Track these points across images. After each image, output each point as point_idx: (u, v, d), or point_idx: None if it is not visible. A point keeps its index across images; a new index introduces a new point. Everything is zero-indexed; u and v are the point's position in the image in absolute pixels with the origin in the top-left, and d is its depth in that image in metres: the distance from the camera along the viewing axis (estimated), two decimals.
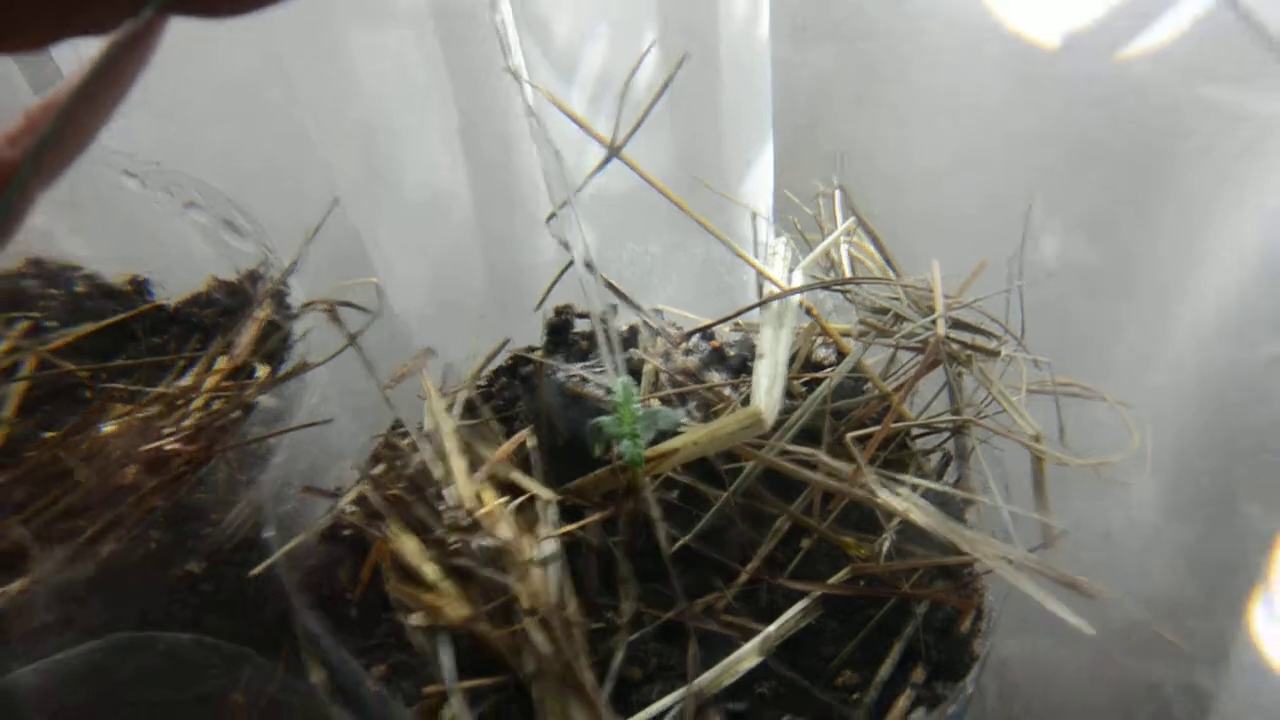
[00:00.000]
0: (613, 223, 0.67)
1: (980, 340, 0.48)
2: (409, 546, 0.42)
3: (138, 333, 0.56)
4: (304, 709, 0.39)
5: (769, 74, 0.69)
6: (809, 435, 0.49)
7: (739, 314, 0.52)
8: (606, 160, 0.49)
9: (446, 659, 0.39)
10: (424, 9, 0.60)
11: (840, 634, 0.46)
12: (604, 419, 0.41)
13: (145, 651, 0.41)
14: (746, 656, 0.43)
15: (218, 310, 0.56)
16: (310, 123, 0.61)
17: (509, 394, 0.53)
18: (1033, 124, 0.62)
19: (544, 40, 0.66)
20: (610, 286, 0.52)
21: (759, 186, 0.72)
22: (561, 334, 0.56)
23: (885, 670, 0.43)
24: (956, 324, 0.49)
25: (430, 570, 0.42)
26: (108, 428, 0.44)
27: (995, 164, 0.65)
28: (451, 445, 0.45)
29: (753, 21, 0.67)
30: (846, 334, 0.51)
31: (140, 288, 0.61)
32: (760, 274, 0.50)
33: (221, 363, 0.50)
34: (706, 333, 0.56)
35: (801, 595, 0.45)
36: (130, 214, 0.59)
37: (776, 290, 0.50)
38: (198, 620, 0.46)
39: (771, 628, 0.43)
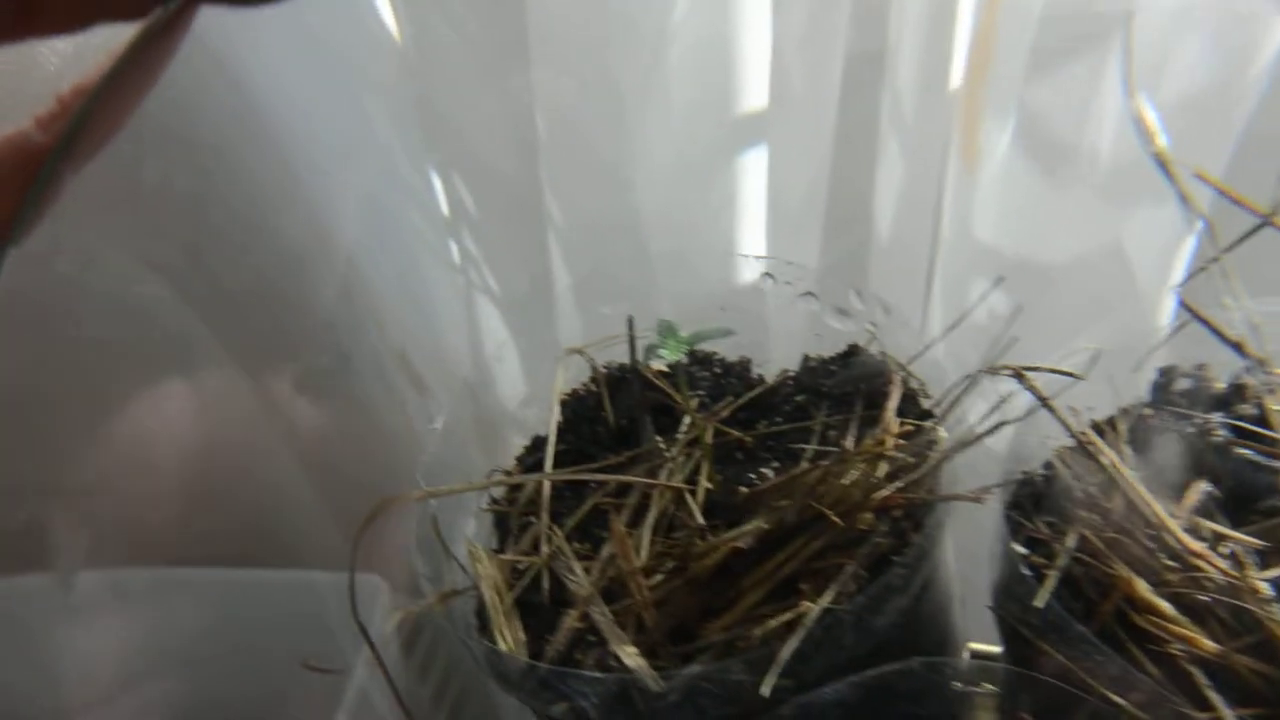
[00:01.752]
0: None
1: None
2: (1139, 583, 0.47)
3: (771, 403, 0.67)
4: None
5: None
6: None
7: None
8: (1258, 228, 0.54)
9: (1212, 686, 0.44)
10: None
11: None
12: None
13: (926, 674, 0.48)
14: None
15: (832, 380, 0.66)
16: None
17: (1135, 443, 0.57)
18: None
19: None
20: (1230, 343, 0.56)
21: None
22: (1165, 391, 0.61)
23: None
24: None
25: (1163, 605, 0.47)
26: (846, 479, 0.53)
27: None
28: (1142, 491, 0.50)
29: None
30: None
31: (745, 366, 0.72)
32: None
33: (889, 424, 0.58)
34: None
35: None
36: (752, 306, 0.71)
37: None
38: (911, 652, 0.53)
39: None
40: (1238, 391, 0.59)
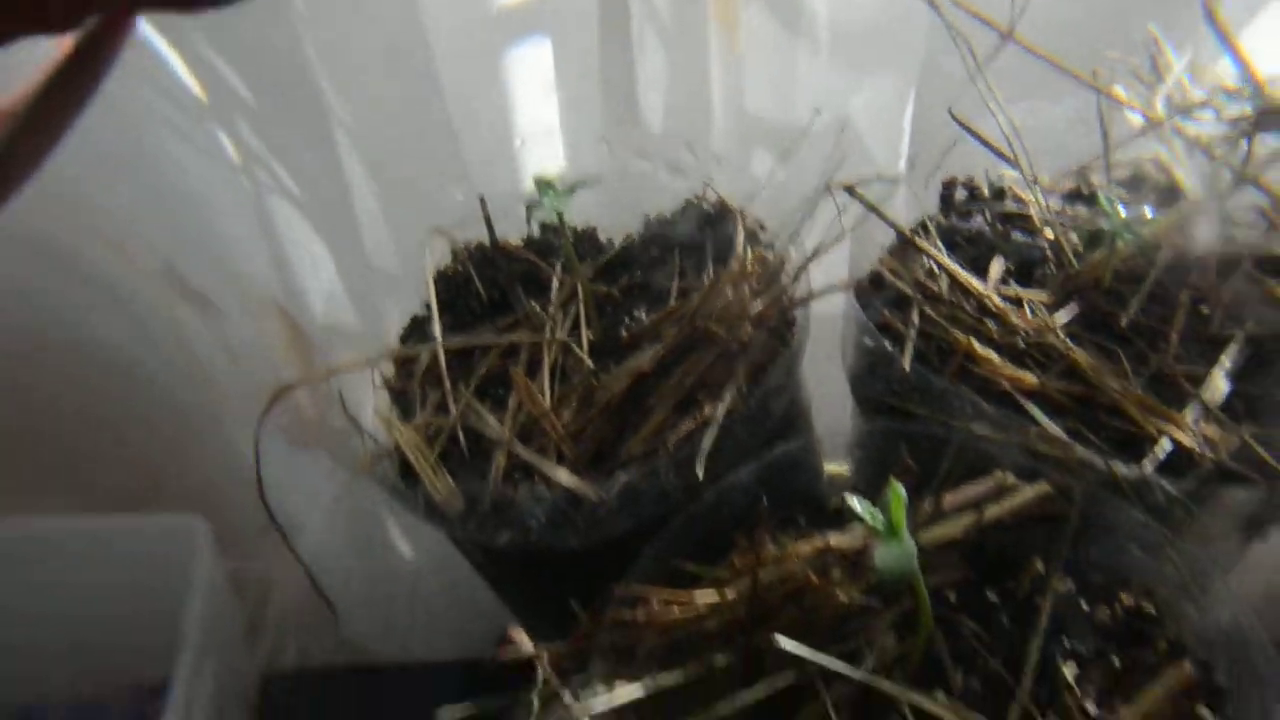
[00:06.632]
0: None
1: None
2: (973, 342, 0.58)
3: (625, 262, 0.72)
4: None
5: None
6: None
7: None
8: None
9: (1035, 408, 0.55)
10: None
11: None
12: None
13: (803, 454, 0.57)
14: None
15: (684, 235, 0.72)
16: None
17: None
18: None
19: None
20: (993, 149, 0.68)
21: None
22: (949, 201, 0.72)
23: None
24: None
25: (994, 356, 0.57)
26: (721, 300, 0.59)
27: None
28: (960, 272, 0.61)
29: None
30: None
31: (594, 233, 0.77)
32: None
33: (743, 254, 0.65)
34: None
35: None
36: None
37: None
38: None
39: None
40: (999, 192, 0.72)
